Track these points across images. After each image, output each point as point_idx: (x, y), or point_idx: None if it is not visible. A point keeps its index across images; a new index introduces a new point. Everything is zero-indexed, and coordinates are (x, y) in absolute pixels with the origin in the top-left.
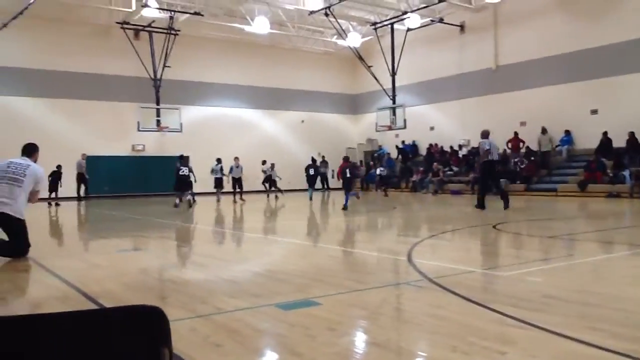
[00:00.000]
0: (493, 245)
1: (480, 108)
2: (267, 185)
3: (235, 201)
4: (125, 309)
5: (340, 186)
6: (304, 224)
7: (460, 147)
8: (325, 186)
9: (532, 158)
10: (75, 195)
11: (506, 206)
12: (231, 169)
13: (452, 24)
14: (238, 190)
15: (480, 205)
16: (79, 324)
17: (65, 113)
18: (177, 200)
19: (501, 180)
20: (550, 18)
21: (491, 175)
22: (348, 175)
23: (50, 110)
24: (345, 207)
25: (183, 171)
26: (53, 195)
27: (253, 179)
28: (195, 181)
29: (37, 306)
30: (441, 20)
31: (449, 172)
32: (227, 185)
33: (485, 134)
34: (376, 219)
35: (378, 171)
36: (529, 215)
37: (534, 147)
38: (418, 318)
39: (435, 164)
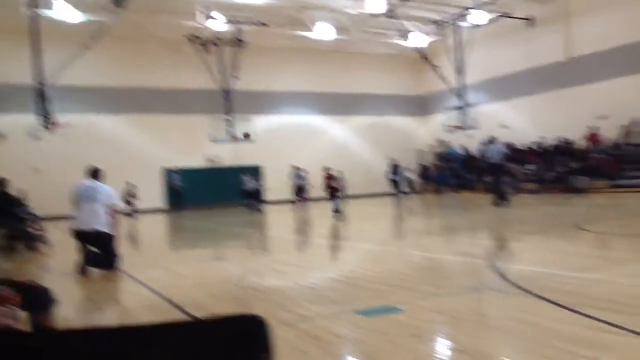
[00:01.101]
0: (579, 246)
1: (552, 103)
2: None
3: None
4: (226, 318)
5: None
6: (378, 229)
7: (536, 144)
8: (398, 190)
9: (615, 153)
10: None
11: (496, 203)
12: (296, 176)
13: (520, 18)
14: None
15: (502, 197)
16: (179, 333)
17: (142, 127)
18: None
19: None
20: (628, 3)
21: (494, 174)
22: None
23: (128, 126)
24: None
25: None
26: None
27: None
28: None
29: (129, 315)
30: (508, 15)
31: (525, 171)
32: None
33: (490, 141)
34: (451, 222)
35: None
36: (616, 213)
37: (616, 141)
38: (504, 324)
39: (509, 163)
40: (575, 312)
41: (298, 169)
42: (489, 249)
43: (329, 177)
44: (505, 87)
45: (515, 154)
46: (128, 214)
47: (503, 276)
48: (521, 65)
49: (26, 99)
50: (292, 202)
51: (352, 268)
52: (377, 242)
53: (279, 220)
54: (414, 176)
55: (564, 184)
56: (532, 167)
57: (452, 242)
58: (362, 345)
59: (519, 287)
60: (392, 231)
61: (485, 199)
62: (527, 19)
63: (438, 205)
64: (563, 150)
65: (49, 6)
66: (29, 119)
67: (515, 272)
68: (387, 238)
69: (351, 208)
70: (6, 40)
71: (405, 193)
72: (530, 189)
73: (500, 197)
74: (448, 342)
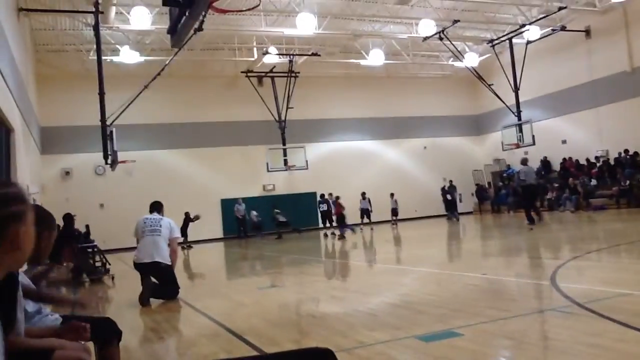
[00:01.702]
0: None
1: (617, 114)
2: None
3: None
4: (299, 352)
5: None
6: (436, 252)
7: (598, 158)
8: (455, 211)
9: None
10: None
11: (531, 222)
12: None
13: (576, 30)
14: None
15: (531, 220)
16: None
17: (202, 160)
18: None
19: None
20: None
21: (529, 196)
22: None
23: (188, 160)
24: (342, 236)
25: (322, 207)
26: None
27: (380, 210)
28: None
29: (192, 344)
30: (564, 28)
31: (588, 187)
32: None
33: (523, 162)
34: (512, 242)
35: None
36: None
37: None
38: (573, 348)
39: (571, 179)
40: None
41: (323, 196)
42: (553, 269)
43: (339, 205)
44: (563, 101)
45: (578, 169)
46: (187, 245)
47: (568, 297)
48: (580, 78)
49: (92, 139)
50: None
51: (410, 292)
52: (435, 265)
53: (334, 246)
54: (471, 197)
55: (631, 199)
56: (595, 181)
57: (513, 263)
58: None
59: (586, 308)
60: (451, 253)
61: (548, 216)
62: (583, 31)
63: (496, 226)
64: (629, 163)
65: (114, 52)
66: (95, 158)
67: (581, 293)
68: (446, 261)
69: (408, 231)
70: (76, 86)
71: (456, 217)
72: (595, 205)
73: (532, 218)
74: None
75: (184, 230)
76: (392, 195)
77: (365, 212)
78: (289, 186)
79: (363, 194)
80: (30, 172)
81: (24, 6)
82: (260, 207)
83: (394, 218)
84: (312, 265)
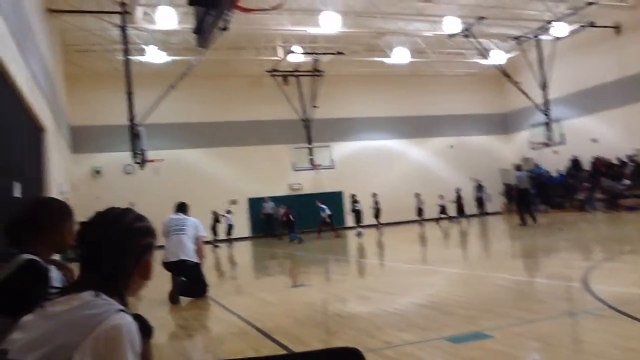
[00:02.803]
0: None
1: None
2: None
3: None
4: (326, 352)
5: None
6: (463, 252)
7: (630, 157)
8: (483, 211)
9: None
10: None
11: (523, 224)
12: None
13: (605, 26)
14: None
15: (532, 220)
16: None
17: (228, 160)
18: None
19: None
20: None
21: (523, 200)
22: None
23: (215, 159)
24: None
25: (359, 206)
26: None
27: (404, 210)
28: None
29: (221, 342)
30: (592, 24)
31: (620, 187)
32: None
33: (517, 168)
34: (541, 242)
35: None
36: None
37: None
38: (606, 351)
39: (602, 178)
40: None
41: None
42: (584, 270)
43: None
44: (593, 98)
45: (608, 170)
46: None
47: (600, 299)
48: (611, 75)
49: (121, 138)
50: (373, 226)
51: (438, 293)
52: (462, 265)
53: (360, 245)
54: (499, 196)
55: None
56: (627, 182)
57: (543, 264)
58: None
59: (618, 311)
60: (479, 254)
61: (578, 216)
62: (612, 27)
63: (525, 226)
64: None
65: (141, 52)
66: (124, 156)
67: (614, 295)
68: (473, 261)
69: (434, 231)
70: (104, 85)
71: (486, 214)
72: (628, 205)
73: (525, 220)
74: None
75: (214, 229)
76: (417, 195)
77: (376, 212)
78: (315, 185)
79: (374, 194)
80: (62, 170)
81: (53, 7)
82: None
83: (420, 218)
84: (338, 265)
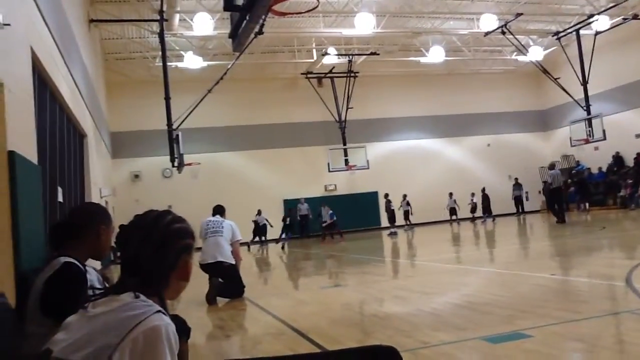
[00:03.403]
0: None
1: None
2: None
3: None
4: (362, 350)
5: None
6: (500, 251)
7: None
8: (521, 209)
9: None
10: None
11: (559, 221)
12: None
13: None
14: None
15: (562, 220)
16: None
17: (264, 162)
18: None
19: None
20: None
21: (556, 199)
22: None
23: (251, 161)
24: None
25: (392, 205)
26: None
27: (439, 210)
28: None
29: (257, 342)
30: (636, 17)
31: None
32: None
33: (551, 166)
34: (582, 241)
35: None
36: None
37: None
38: None
39: None
40: None
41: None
42: (628, 269)
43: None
44: (636, 93)
45: None
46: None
47: None
48: None
49: (159, 143)
50: (401, 227)
51: (476, 292)
52: (499, 264)
53: (396, 245)
54: (538, 195)
55: None
56: None
57: (584, 262)
58: None
59: None
60: (518, 253)
61: (620, 214)
62: None
63: (565, 224)
64: None
65: (178, 58)
66: (162, 161)
67: None
68: (511, 260)
69: (470, 230)
70: (143, 92)
71: (523, 212)
72: None
73: (564, 217)
74: None
75: (257, 233)
76: (450, 194)
77: (405, 214)
78: (350, 186)
79: (404, 195)
80: (102, 175)
81: (94, 17)
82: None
83: (453, 217)
84: (374, 265)
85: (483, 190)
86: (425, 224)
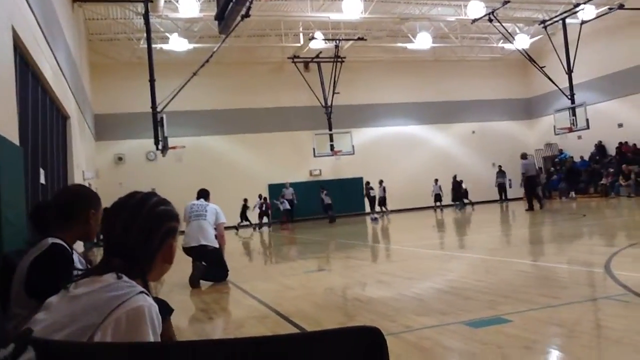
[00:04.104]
0: None
1: None
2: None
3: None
4: (346, 330)
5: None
6: (483, 238)
7: None
8: (504, 197)
9: None
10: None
11: (529, 209)
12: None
13: (635, 9)
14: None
15: (531, 207)
16: (300, 346)
17: (249, 146)
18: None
19: None
20: None
21: (531, 187)
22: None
23: (236, 146)
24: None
25: (373, 192)
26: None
27: (424, 196)
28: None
29: (241, 325)
30: (622, 6)
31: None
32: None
33: (523, 156)
34: (563, 228)
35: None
36: None
37: None
38: (628, 338)
39: (624, 165)
40: None
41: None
42: (607, 256)
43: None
44: (620, 83)
45: (635, 154)
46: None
47: (624, 285)
48: (638, 58)
49: (144, 126)
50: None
51: (457, 278)
52: (482, 250)
53: (381, 230)
54: (508, 184)
55: None
56: None
57: (565, 249)
58: (470, 357)
59: None
60: (500, 239)
61: (601, 202)
62: None
63: (547, 212)
64: None
65: (163, 40)
66: (147, 144)
67: (636, 281)
68: (493, 246)
69: (455, 216)
70: (127, 73)
71: (507, 200)
72: None
73: (532, 206)
74: (563, 355)
75: (243, 215)
76: (436, 181)
77: (382, 200)
78: (335, 171)
79: (380, 181)
80: (86, 157)
81: None
82: (307, 191)
83: (437, 204)
84: (358, 250)
85: (454, 177)
86: (410, 209)
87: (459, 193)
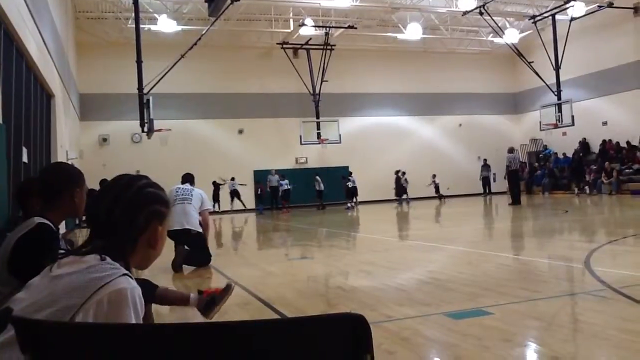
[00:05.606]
0: None
1: None
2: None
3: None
4: (330, 317)
5: None
6: (466, 231)
7: None
8: (488, 190)
9: None
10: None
11: (517, 202)
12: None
13: (623, 7)
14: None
15: (516, 202)
16: (282, 331)
17: (235, 131)
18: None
19: None
20: None
21: (514, 180)
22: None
23: (222, 130)
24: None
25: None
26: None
27: (419, 187)
28: None
29: (223, 312)
30: (610, 5)
31: (627, 171)
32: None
33: (510, 150)
34: (546, 224)
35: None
36: None
37: None
38: (605, 332)
39: (607, 163)
40: None
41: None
42: (587, 252)
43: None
44: (607, 81)
45: (617, 153)
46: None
47: (602, 281)
48: (626, 57)
49: (130, 107)
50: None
51: (440, 269)
52: (465, 243)
53: (366, 221)
54: (493, 178)
55: None
56: (637, 166)
57: (546, 244)
58: (451, 348)
59: (621, 293)
60: (484, 233)
61: (583, 199)
62: (631, 8)
63: (530, 207)
64: None
65: (152, 20)
66: (132, 125)
67: (616, 277)
68: (476, 240)
69: (441, 209)
70: (114, 53)
71: (490, 193)
72: (634, 189)
73: (519, 199)
74: (540, 348)
75: (215, 198)
76: (403, 173)
77: (353, 191)
78: (321, 159)
79: (350, 173)
80: (69, 137)
81: None
82: (292, 179)
83: (403, 196)
84: (342, 239)
85: (396, 172)
86: (390, 200)
87: (401, 188)
